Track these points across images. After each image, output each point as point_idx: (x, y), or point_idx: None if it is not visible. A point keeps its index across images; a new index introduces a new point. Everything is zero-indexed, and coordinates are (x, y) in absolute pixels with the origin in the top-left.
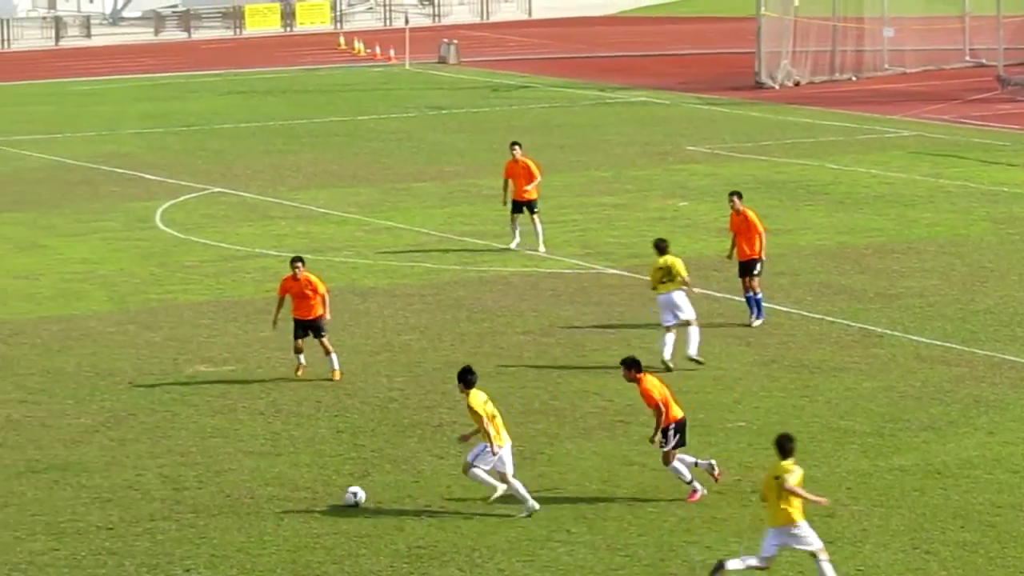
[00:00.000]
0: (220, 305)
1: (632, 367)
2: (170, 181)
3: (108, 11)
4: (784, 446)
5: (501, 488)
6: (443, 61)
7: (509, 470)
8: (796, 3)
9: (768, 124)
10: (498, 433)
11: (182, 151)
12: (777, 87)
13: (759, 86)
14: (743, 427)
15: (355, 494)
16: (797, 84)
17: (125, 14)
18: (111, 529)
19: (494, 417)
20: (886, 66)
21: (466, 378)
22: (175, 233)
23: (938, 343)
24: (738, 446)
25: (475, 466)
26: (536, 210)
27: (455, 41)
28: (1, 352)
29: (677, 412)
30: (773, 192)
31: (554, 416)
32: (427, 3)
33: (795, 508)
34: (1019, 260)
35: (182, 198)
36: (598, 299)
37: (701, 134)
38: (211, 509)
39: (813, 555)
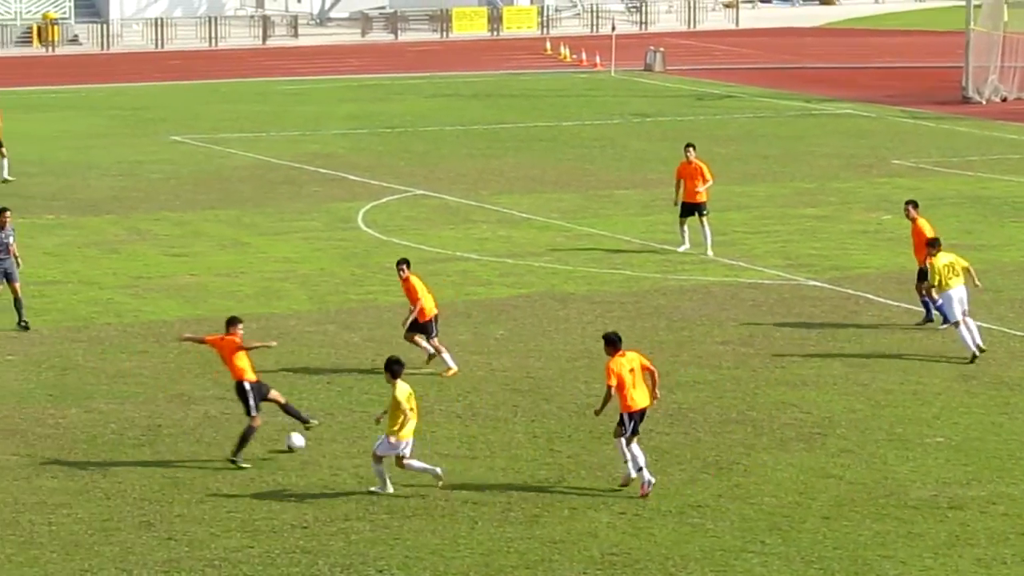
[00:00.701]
0: None
1: (610, 344)
2: (373, 182)
3: (315, 11)
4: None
5: (418, 465)
6: (649, 69)
7: (407, 453)
8: (1006, 18)
9: (974, 139)
10: (404, 427)
11: (385, 152)
12: (984, 102)
13: (966, 101)
14: (941, 443)
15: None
16: (1004, 100)
17: (332, 15)
18: (305, 528)
19: (412, 411)
20: None
21: (392, 368)
22: (376, 234)
23: None
24: (936, 461)
25: (407, 459)
26: (705, 213)
27: (661, 49)
28: (201, 349)
29: (637, 403)
30: (978, 208)
31: (751, 427)
32: (634, 10)
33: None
34: None
35: (384, 199)
36: (799, 310)
37: (906, 148)
38: (405, 510)
39: None
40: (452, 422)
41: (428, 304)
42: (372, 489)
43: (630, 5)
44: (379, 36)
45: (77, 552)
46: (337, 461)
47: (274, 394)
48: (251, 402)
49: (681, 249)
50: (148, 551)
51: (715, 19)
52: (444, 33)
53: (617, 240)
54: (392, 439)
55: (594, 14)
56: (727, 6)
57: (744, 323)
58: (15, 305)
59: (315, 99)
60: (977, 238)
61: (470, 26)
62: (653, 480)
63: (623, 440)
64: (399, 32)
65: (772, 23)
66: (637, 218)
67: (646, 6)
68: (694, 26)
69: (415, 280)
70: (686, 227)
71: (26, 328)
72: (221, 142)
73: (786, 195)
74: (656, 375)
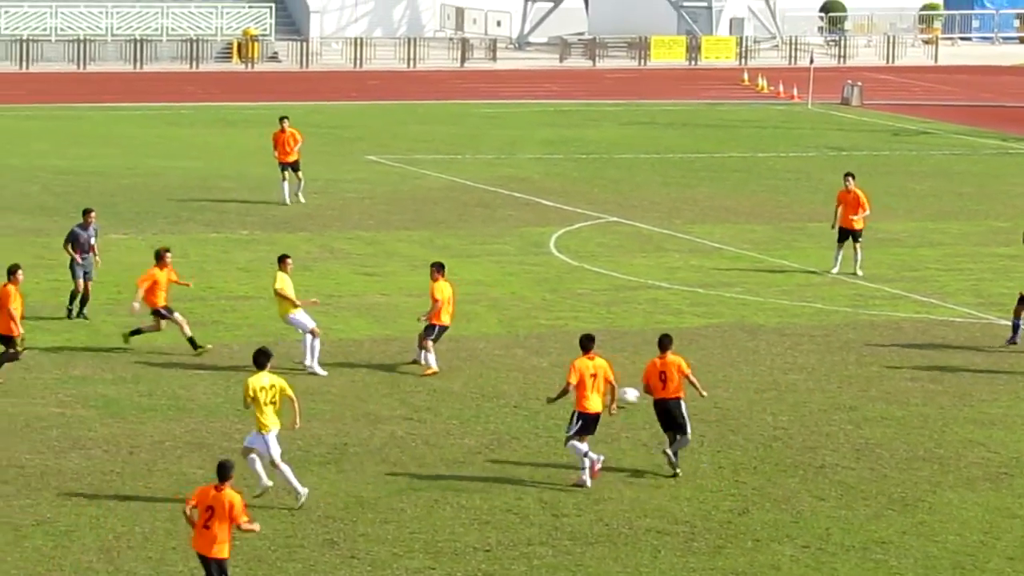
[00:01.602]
0: (609, 334)
1: (584, 344)
2: (566, 208)
3: (514, 35)
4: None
5: (267, 483)
6: (846, 102)
7: (276, 455)
8: None
9: None
10: (263, 415)
11: (580, 179)
12: None
13: None
14: None
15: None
16: None
17: (531, 39)
18: (488, 551)
19: (272, 403)
20: None
21: (258, 360)
22: (568, 260)
23: None
24: None
25: (252, 453)
26: (860, 240)
27: (859, 83)
28: (389, 369)
29: (591, 406)
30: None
31: (938, 464)
32: (833, 43)
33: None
34: None
35: (577, 225)
36: (989, 349)
37: None
38: (588, 537)
39: None
40: (638, 450)
41: (445, 314)
42: (256, 493)
43: (829, 38)
44: (577, 62)
45: (260, 568)
46: (521, 485)
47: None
48: None
49: (834, 271)
50: (331, 569)
51: (914, 54)
52: (642, 60)
53: (809, 273)
54: (260, 431)
55: (793, 46)
56: (927, 42)
57: (934, 360)
58: (80, 300)
59: (511, 123)
60: None
61: (668, 54)
62: (601, 457)
63: (575, 441)
64: (597, 58)
65: (971, 60)
66: (830, 252)
67: (845, 39)
68: (893, 61)
69: (444, 285)
70: (841, 252)
71: (84, 318)
72: (416, 163)
73: (980, 233)
74: (615, 390)
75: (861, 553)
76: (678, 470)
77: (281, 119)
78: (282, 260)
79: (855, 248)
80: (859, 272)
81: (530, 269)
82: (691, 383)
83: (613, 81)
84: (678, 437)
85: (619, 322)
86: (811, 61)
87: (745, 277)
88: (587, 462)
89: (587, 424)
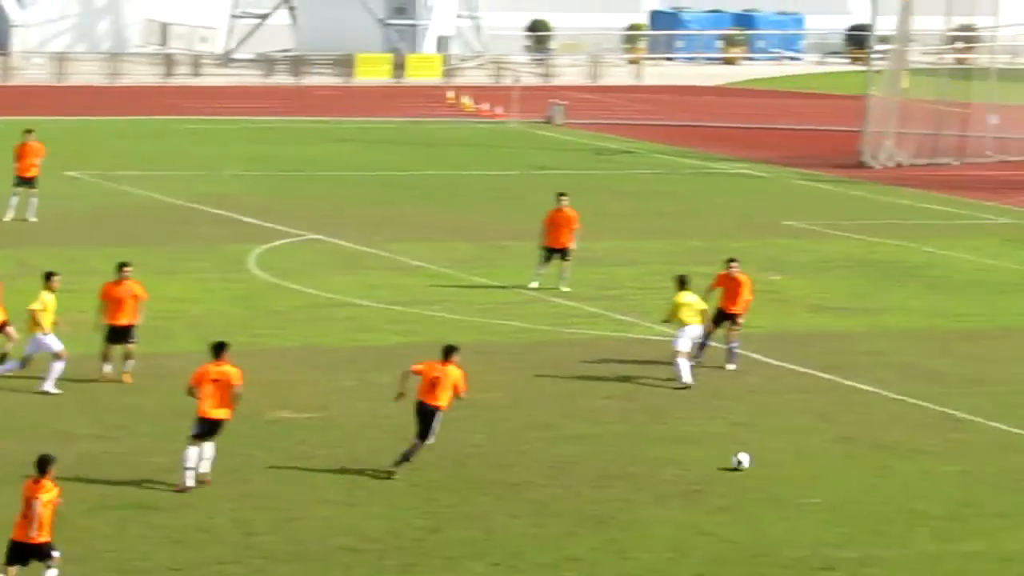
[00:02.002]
0: (307, 352)
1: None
2: (267, 225)
3: (219, 51)
4: None
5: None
6: (550, 121)
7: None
8: (905, 85)
9: (867, 204)
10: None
11: (283, 196)
12: (879, 167)
13: (861, 165)
14: (817, 504)
15: (740, 461)
16: (899, 165)
17: (236, 56)
18: (178, 570)
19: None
20: (988, 153)
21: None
22: (268, 277)
23: (1018, 431)
24: (810, 522)
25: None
26: (568, 258)
27: (563, 102)
28: (83, 386)
29: (208, 411)
30: (867, 271)
31: (631, 481)
32: (538, 62)
33: None
34: None
35: (278, 243)
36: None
37: (800, 210)
38: (280, 555)
39: None
40: (333, 467)
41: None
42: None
43: (534, 57)
44: (282, 79)
45: None
46: (214, 503)
47: None
48: None
49: (532, 287)
50: None
51: (618, 74)
52: (347, 78)
53: (509, 292)
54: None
55: (498, 64)
56: (631, 62)
57: (630, 378)
58: None
59: (214, 139)
60: (864, 301)
61: (374, 72)
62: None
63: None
64: (303, 76)
65: (674, 80)
66: (530, 270)
67: (550, 59)
68: (597, 80)
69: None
70: (544, 268)
71: None
72: (117, 179)
73: (678, 252)
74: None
75: (553, 570)
76: (397, 470)
77: (25, 131)
78: (48, 277)
79: (562, 266)
80: (564, 288)
81: (229, 286)
82: (458, 397)
83: (318, 98)
84: (417, 441)
85: (317, 339)
86: (516, 80)
87: (445, 295)
88: (191, 468)
89: (204, 428)
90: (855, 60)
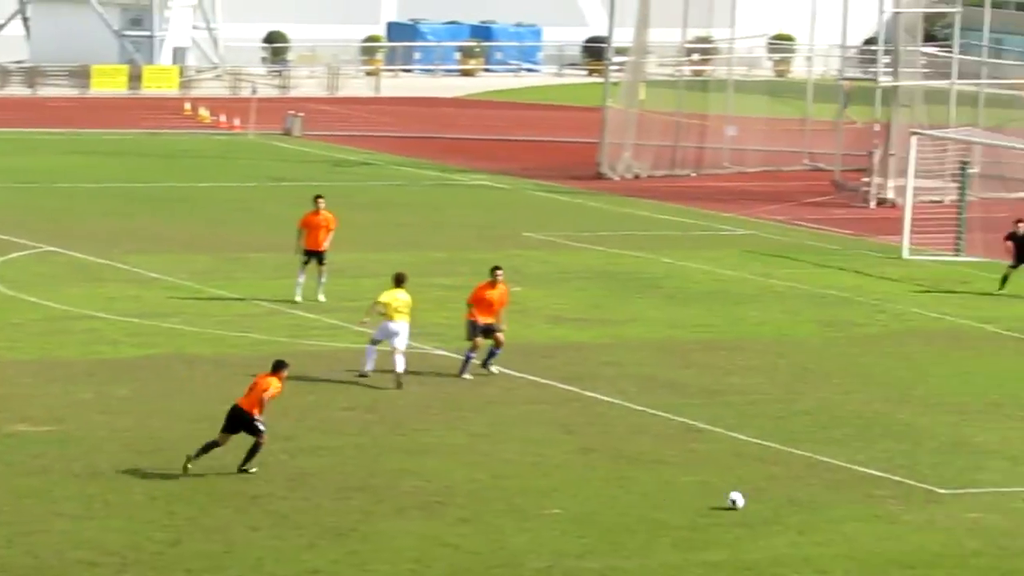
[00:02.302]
0: (44, 365)
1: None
2: (3, 237)
3: None
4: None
5: None
6: (287, 133)
7: None
8: (642, 96)
9: (606, 215)
10: None
11: (17, 208)
12: (617, 179)
13: (600, 177)
14: (558, 514)
15: (734, 500)
16: (637, 177)
17: None
18: None
19: None
20: (726, 164)
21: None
22: (4, 290)
23: (757, 441)
24: (552, 533)
25: None
26: (325, 263)
27: (300, 114)
28: None
29: None
30: (606, 282)
31: (371, 493)
32: (276, 74)
33: None
34: (842, 363)
35: (14, 255)
36: (424, 379)
37: (539, 221)
38: (16, 570)
39: None
40: (70, 481)
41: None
42: None
43: (271, 69)
44: (16, 89)
45: None
46: None
47: None
48: None
49: (297, 300)
50: None
51: (356, 85)
52: (83, 89)
53: (248, 303)
54: None
55: (235, 76)
56: (369, 74)
57: (371, 389)
58: None
59: None
60: (604, 312)
61: (110, 83)
62: None
63: None
64: (37, 87)
65: (412, 92)
66: (269, 282)
67: (287, 70)
68: (335, 92)
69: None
70: (303, 277)
71: None
72: None
73: (419, 264)
74: None
75: None
76: (192, 464)
77: None
78: None
79: (320, 271)
80: (321, 298)
81: None
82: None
83: (53, 109)
84: (215, 441)
85: (54, 352)
86: (253, 92)
87: (183, 307)
88: None
89: None
90: (592, 72)
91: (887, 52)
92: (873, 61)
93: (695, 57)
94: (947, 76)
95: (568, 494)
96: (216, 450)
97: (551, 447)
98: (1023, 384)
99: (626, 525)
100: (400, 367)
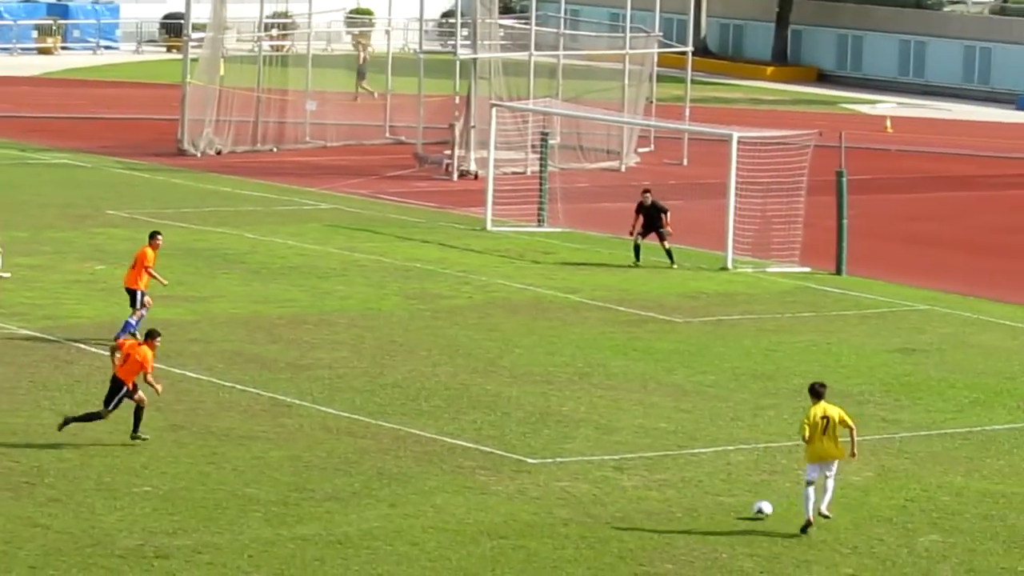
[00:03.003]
0: None
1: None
2: None
3: None
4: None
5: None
6: None
7: None
8: (222, 72)
9: (189, 192)
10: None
11: None
12: (199, 155)
13: (182, 153)
14: (149, 492)
15: (760, 509)
16: (219, 153)
17: None
18: None
19: None
20: (308, 139)
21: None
22: None
23: (346, 415)
24: (143, 511)
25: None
26: None
27: None
28: None
29: None
30: (191, 259)
31: None
32: None
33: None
34: (428, 336)
35: None
36: (10, 359)
37: (122, 199)
38: None
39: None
40: None
41: None
42: None
43: None
44: None
45: None
46: None
47: None
48: None
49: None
50: None
51: None
52: None
53: None
54: None
55: None
56: None
57: None
58: None
59: None
60: (190, 289)
61: None
62: None
63: None
64: None
65: None
66: None
67: None
68: None
69: None
70: None
71: None
72: None
73: (3, 243)
74: None
75: None
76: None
77: None
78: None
79: None
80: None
81: None
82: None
83: None
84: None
85: None
86: None
87: None
88: None
89: None
90: (172, 48)
91: (464, 25)
92: (452, 34)
93: (274, 32)
94: (525, 48)
95: (158, 471)
96: None
97: (141, 425)
98: (609, 353)
99: (217, 501)
100: None
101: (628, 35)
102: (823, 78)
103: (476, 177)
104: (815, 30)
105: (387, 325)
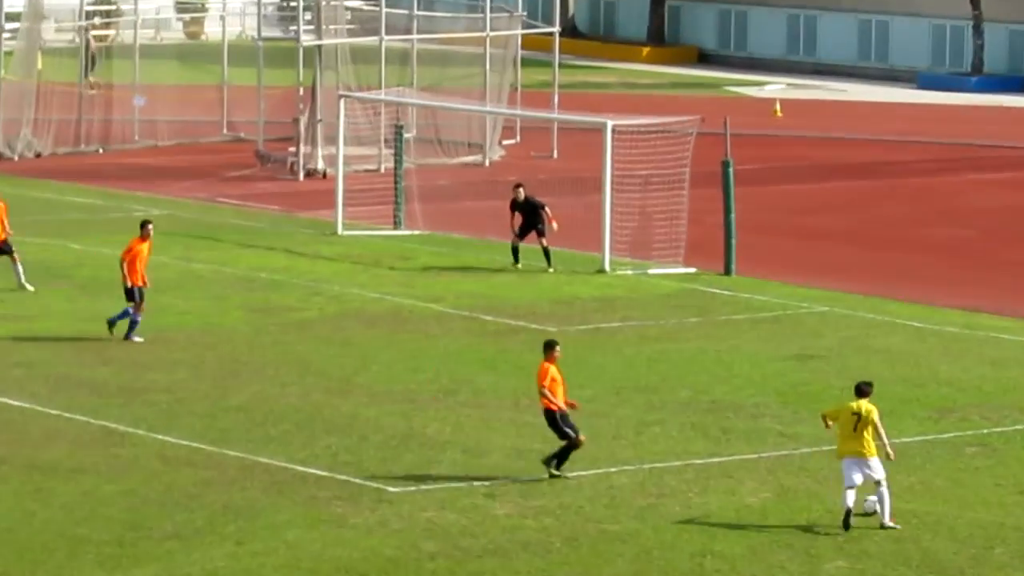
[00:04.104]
0: None
1: None
2: None
3: None
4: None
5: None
6: None
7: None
8: (40, 66)
9: (9, 200)
10: None
11: None
12: (16, 158)
13: None
14: None
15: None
16: (39, 155)
17: None
18: None
19: None
20: (137, 138)
21: None
22: None
23: (185, 443)
24: None
25: None
26: (13, 251)
27: None
28: None
29: None
30: (11, 275)
31: None
32: None
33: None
34: (275, 353)
35: None
36: None
37: None
38: None
39: (877, 483)
40: None
41: None
42: None
43: None
44: None
45: None
46: None
47: None
48: None
49: None
50: None
51: None
52: None
53: None
54: None
55: None
56: None
57: None
58: None
59: None
60: (10, 307)
61: None
62: None
63: None
64: None
65: None
66: None
67: None
68: None
69: None
70: None
71: None
72: None
73: None
74: None
75: None
76: None
77: None
78: None
79: (13, 260)
80: (30, 287)
81: None
82: None
83: None
84: None
85: None
86: None
87: None
88: None
89: None
90: None
91: (307, 8)
92: (293, 19)
93: (97, 21)
94: (375, 32)
95: None
96: None
97: None
98: (476, 368)
99: (44, 542)
100: None
101: (489, 15)
102: (704, 59)
103: (324, 176)
104: (694, 6)
105: (230, 342)
